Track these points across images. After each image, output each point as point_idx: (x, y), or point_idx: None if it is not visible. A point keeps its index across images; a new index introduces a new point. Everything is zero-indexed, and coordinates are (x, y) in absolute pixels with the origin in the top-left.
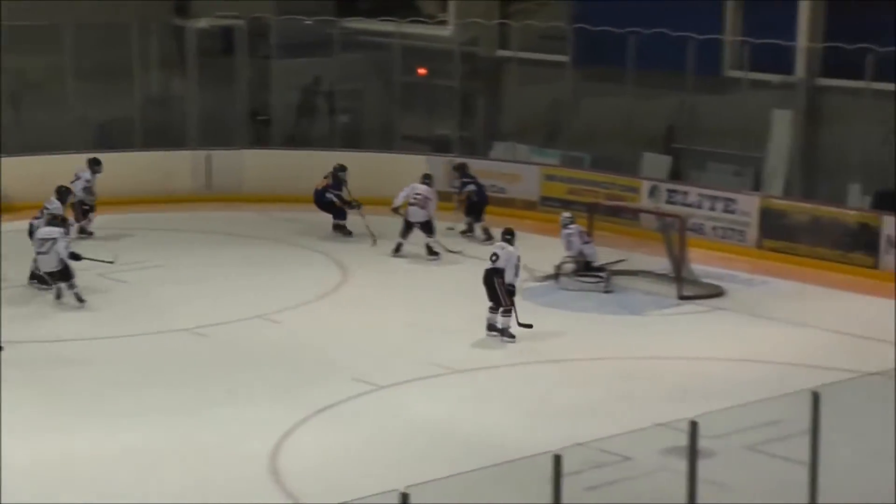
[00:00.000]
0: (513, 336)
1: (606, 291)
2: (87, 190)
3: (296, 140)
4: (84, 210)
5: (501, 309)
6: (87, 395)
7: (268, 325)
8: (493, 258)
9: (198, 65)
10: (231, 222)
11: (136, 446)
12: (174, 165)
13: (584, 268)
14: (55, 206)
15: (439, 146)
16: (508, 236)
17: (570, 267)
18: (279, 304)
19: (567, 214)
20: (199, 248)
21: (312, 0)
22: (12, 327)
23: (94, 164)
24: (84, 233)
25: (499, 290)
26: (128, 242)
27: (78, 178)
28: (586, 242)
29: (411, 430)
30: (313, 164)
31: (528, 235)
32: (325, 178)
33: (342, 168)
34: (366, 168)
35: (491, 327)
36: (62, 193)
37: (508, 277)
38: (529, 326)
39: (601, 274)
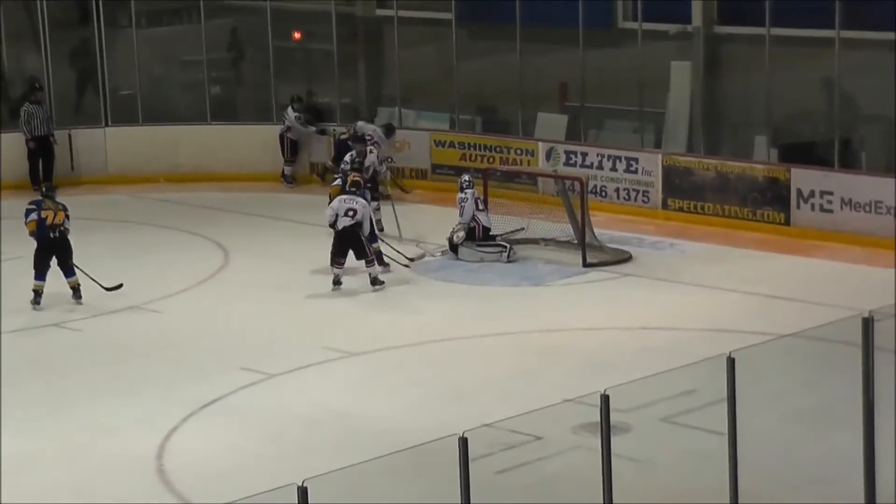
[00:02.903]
0: (382, 282)
1: (509, 261)
2: None
3: (164, 115)
4: None
5: (366, 261)
6: None
7: (146, 315)
8: (352, 213)
9: (51, 37)
10: (99, 206)
11: (5, 450)
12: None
13: (482, 236)
14: None
15: (319, 115)
16: (353, 189)
17: (461, 235)
18: (157, 293)
19: (466, 178)
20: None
21: None
22: None
23: None
24: None
25: (364, 243)
26: None
27: None
28: (480, 209)
29: (307, 420)
30: (184, 140)
31: (421, 207)
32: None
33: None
34: (242, 141)
35: (338, 282)
36: None
37: (366, 230)
38: (412, 260)
39: (502, 243)
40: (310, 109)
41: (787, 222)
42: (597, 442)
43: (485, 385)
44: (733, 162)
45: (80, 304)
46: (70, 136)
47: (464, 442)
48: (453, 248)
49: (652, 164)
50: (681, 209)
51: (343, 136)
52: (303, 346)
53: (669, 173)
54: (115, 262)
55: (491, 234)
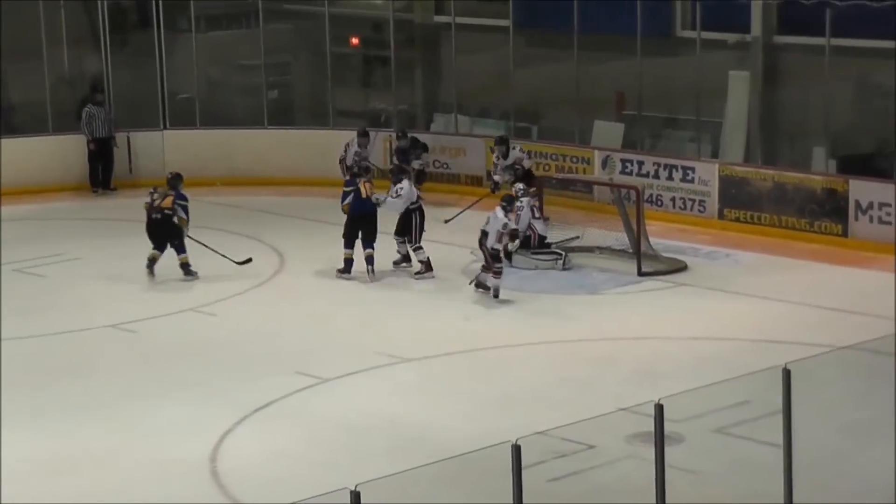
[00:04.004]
0: (496, 296)
1: (564, 269)
2: None
3: (221, 119)
4: None
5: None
6: (9, 396)
7: (201, 317)
8: (486, 222)
9: (112, 41)
10: None
11: (67, 449)
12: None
13: (537, 244)
14: None
15: (376, 121)
16: (504, 203)
17: (515, 245)
18: (213, 296)
19: (520, 185)
20: (122, 238)
21: None
22: None
23: None
24: None
25: (483, 251)
26: (45, 233)
27: None
28: (537, 217)
29: (359, 426)
30: (241, 144)
31: (475, 213)
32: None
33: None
34: (298, 146)
35: (479, 284)
36: None
37: (490, 241)
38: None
39: (558, 251)
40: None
41: (845, 234)
42: (649, 451)
43: (537, 393)
44: (791, 172)
45: (194, 278)
46: (129, 138)
47: (517, 449)
48: (507, 255)
49: (709, 173)
50: (737, 219)
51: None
52: (356, 351)
53: (726, 183)
54: (171, 263)
55: (546, 241)
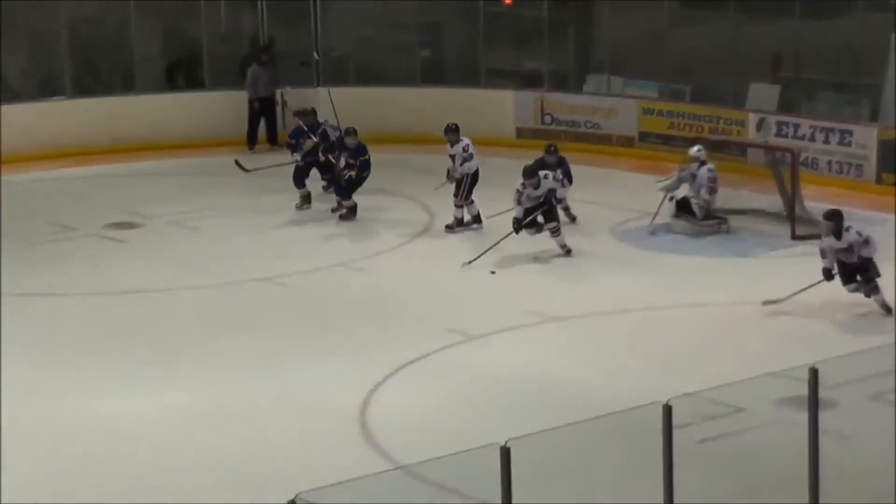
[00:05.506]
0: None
1: (725, 233)
2: None
3: (374, 77)
4: None
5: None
6: (158, 348)
7: (352, 273)
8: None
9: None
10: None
11: (215, 401)
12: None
13: (705, 215)
14: None
15: (528, 81)
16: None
17: (672, 209)
18: (362, 252)
19: (698, 148)
20: (277, 194)
21: None
22: (75, 277)
23: None
24: None
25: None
26: (205, 187)
27: None
28: (713, 189)
29: (508, 383)
30: (393, 102)
31: (625, 174)
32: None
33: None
34: (450, 104)
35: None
36: None
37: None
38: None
39: (721, 216)
40: None
41: None
42: (799, 416)
43: (685, 355)
44: None
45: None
46: (282, 95)
47: (667, 409)
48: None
49: (867, 137)
50: (895, 184)
51: None
52: (506, 308)
53: (885, 147)
54: (323, 218)
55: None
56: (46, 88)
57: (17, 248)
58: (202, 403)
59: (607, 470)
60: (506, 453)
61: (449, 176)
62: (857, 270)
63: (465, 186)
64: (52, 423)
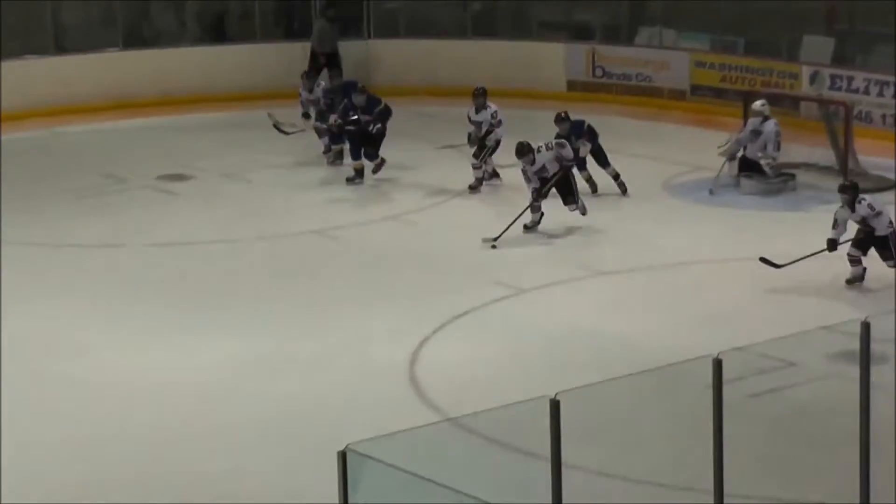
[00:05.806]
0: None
1: (792, 190)
2: None
3: (425, 29)
4: None
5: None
6: (209, 300)
7: (402, 225)
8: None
9: None
10: None
11: (266, 352)
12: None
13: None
14: None
15: (579, 33)
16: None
17: (733, 169)
18: (411, 205)
19: (762, 102)
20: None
21: None
22: (129, 228)
23: None
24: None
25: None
26: (256, 140)
27: None
28: (779, 145)
29: (557, 335)
30: (444, 54)
31: (678, 128)
32: None
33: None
34: (500, 57)
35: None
36: None
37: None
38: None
39: (789, 172)
40: None
41: None
42: (851, 370)
43: (736, 309)
44: None
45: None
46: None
47: (718, 363)
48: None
49: None
50: None
51: None
52: (554, 262)
53: None
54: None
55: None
56: (100, 40)
57: (69, 199)
58: (253, 354)
59: (656, 424)
60: (555, 406)
61: (471, 140)
62: (877, 243)
63: (487, 151)
64: (102, 373)
